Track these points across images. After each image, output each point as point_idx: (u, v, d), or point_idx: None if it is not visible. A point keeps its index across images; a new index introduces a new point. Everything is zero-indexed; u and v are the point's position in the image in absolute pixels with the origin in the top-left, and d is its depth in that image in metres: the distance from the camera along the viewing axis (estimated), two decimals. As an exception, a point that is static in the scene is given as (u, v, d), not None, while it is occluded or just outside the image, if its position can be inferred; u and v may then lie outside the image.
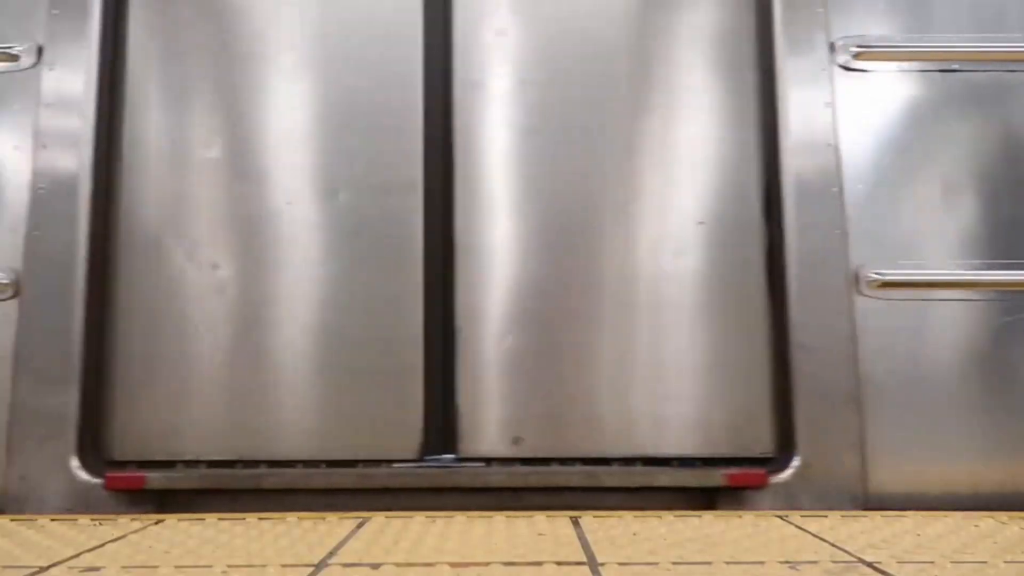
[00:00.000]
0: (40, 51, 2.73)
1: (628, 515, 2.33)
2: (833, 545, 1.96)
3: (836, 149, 2.71)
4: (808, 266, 2.67)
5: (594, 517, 2.30)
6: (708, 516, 2.32)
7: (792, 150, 2.72)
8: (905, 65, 2.76)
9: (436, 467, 2.67)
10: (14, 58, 2.72)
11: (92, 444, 2.63)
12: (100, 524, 2.28)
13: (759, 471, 2.59)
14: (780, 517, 2.32)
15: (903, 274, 2.67)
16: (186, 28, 2.84)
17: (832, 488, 2.56)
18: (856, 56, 2.75)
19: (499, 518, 2.31)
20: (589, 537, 2.03)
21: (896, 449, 2.60)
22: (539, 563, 1.78)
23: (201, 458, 2.66)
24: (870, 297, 2.65)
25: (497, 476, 2.63)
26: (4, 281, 2.62)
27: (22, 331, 2.61)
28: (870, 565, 1.77)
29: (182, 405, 2.68)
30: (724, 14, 2.86)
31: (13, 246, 2.66)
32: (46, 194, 2.68)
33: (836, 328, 2.63)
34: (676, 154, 2.80)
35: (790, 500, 2.56)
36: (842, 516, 2.36)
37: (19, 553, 1.94)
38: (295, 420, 2.68)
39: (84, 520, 2.35)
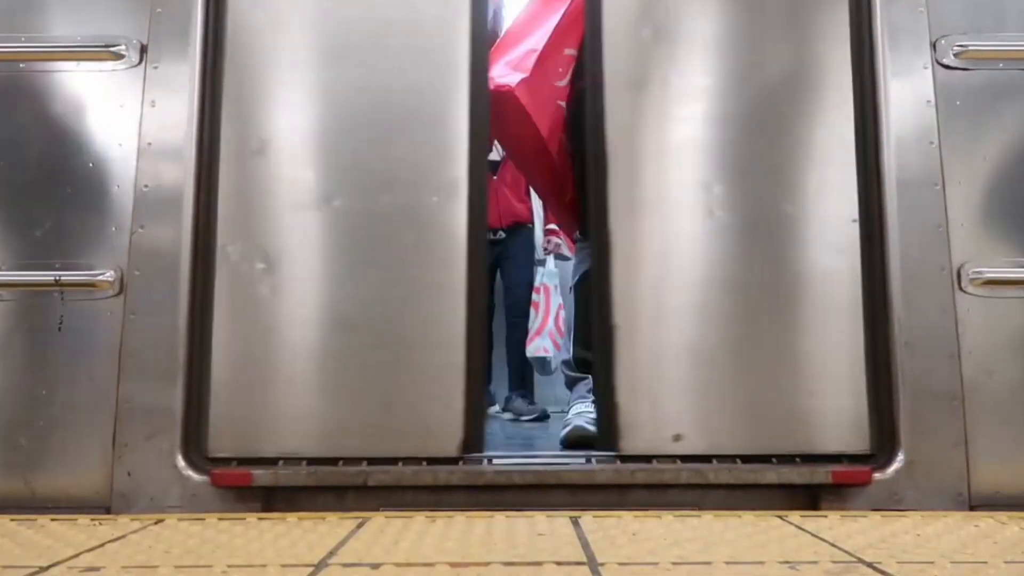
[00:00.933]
0: (144, 49, 2.74)
1: (627, 515, 2.33)
2: (833, 545, 1.96)
3: (938, 147, 2.72)
4: (909, 264, 2.67)
5: (594, 517, 2.30)
6: (707, 516, 2.32)
7: (894, 148, 2.72)
8: (1008, 63, 2.76)
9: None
10: (118, 56, 2.73)
11: (196, 441, 2.64)
12: (100, 524, 2.29)
13: (864, 468, 2.58)
14: (780, 517, 2.32)
15: (1006, 272, 2.67)
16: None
17: (936, 486, 2.57)
18: (958, 55, 2.75)
19: (499, 517, 2.31)
20: (589, 537, 2.03)
21: (1000, 448, 2.60)
22: (539, 563, 1.78)
23: (302, 455, 2.66)
24: (972, 295, 2.65)
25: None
26: (109, 279, 2.63)
27: (127, 329, 2.62)
28: (870, 565, 1.77)
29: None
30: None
31: (118, 244, 2.66)
32: (150, 192, 2.68)
33: (938, 325, 2.64)
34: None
35: (892, 498, 2.56)
36: (842, 516, 2.36)
37: (19, 553, 1.94)
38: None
39: (84, 520, 2.35)
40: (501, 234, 5.92)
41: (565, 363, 3.95)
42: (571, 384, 3.72)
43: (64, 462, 2.59)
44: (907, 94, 2.75)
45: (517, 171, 5.24)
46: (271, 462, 2.63)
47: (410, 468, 2.60)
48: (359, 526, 2.18)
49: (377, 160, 2.78)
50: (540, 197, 5.11)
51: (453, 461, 2.64)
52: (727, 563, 1.78)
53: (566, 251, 5.83)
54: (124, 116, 2.72)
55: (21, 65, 2.74)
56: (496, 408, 5.94)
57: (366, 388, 2.69)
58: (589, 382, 3.50)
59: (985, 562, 1.80)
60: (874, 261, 2.72)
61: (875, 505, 2.55)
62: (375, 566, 1.77)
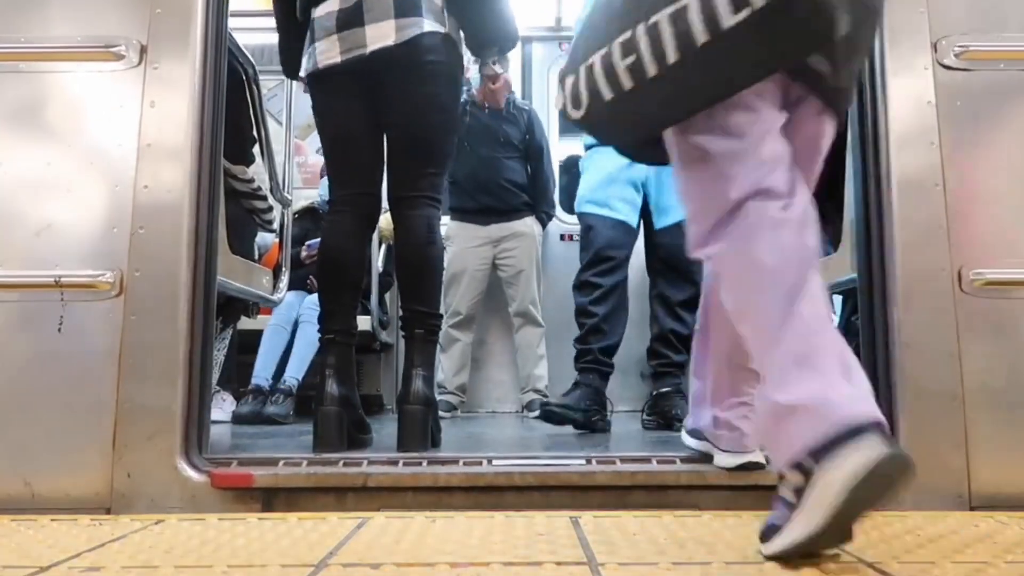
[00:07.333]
0: (144, 50, 2.74)
1: (627, 515, 2.32)
2: (832, 545, 1.95)
3: (939, 147, 2.71)
4: (909, 264, 2.66)
5: (593, 517, 2.29)
6: (707, 516, 2.31)
7: (895, 147, 2.72)
8: (1008, 64, 2.75)
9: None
10: (118, 57, 2.72)
11: (196, 442, 2.64)
12: (100, 524, 2.28)
13: (864, 468, 2.58)
14: (779, 517, 2.31)
15: (1007, 272, 2.66)
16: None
17: (936, 486, 2.55)
18: (959, 55, 2.74)
19: (499, 517, 2.31)
20: (589, 537, 2.03)
21: (1000, 448, 2.59)
22: (539, 563, 1.78)
23: (301, 454, 2.65)
24: (972, 295, 2.64)
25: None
26: (109, 280, 2.63)
27: (127, 329, 2.61)
28: (870, 565, 1.77)
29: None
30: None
31: (118, 244, 2.66)
32: (150, 192, 2.68)
33: (938, 325, 2.63)
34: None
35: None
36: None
37: (19, 553, 1.93)
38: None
39: (84, 520, 2.34)
40: None
41: None
42: None
43: (64, 463, 2.59)
44: (907, 94, 2.74)
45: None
46: (271, 462, 2.63)
47: (410, 469, 2.60)
48: (359, 526, 2.18)
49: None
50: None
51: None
52: (727, 563, 1.78)
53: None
54: (124, 116, 2.71)
55: (21, 65, 2.74)
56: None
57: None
58: None
59: (986, 562, 1.79)
60: (874, 261, 2.71)
61: (876, 506, 2.55)
62: (375, 566, 1.77)
